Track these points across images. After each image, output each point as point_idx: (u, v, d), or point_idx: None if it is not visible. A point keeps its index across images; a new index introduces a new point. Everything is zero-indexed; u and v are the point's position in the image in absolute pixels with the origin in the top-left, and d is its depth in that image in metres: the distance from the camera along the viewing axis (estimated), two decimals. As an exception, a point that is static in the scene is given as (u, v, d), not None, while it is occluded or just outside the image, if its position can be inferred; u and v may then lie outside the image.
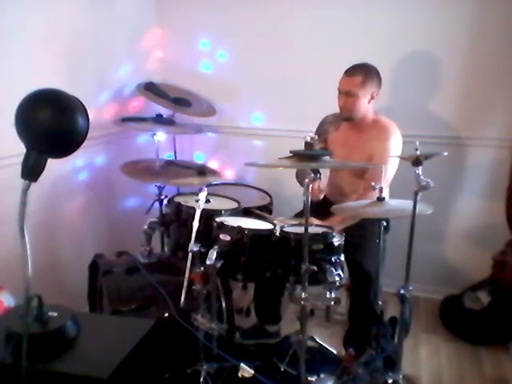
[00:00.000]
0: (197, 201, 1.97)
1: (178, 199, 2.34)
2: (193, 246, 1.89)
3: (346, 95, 2.29)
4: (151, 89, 2.84)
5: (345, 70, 2.30)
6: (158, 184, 2.61)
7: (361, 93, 2.27)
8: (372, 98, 2.31)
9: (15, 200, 1.06)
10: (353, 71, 2.28)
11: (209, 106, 3.07)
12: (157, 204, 2.63)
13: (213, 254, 1.82)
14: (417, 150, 1.80)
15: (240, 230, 1.95)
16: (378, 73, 2.32)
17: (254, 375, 1.91)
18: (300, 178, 2.37)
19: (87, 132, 1.09)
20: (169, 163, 2.71)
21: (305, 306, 1.81)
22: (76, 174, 2.62)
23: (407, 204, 1.85)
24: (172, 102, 2.80)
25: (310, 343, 2.09)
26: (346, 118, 2.39)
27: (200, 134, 3.20)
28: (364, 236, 2.29)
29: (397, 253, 2.07)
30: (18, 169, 1.06)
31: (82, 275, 2.35)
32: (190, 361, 2.03)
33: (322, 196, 2.46)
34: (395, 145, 2.32)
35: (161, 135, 2.70)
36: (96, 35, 2.63)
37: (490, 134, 2.75)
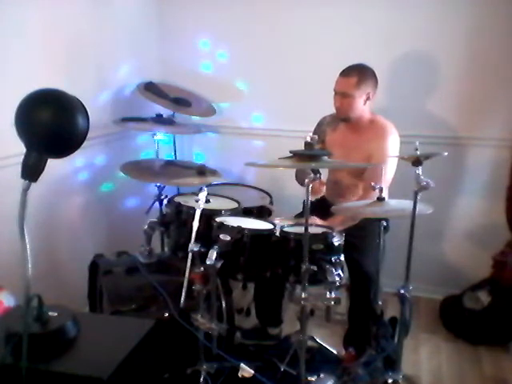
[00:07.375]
0: (197, 201, 1.98)
1: (177, 199, 2.33)
2: (193, 246, 1.89)
3: (342, 96, 2.29)
4: (151, 89, 2.84)
5: (341, 70, 2.29)
6: (158, 184, 2.61)
7: (356, 93, 2.27)
8: (368, 98, 2.31)
9: (15, 200, 1.06)
10: (348, 72, 2.28)
11: (209, 106, 3.07)
12: (157, 204, 2.63)
13: (213, 254, 1.82)
14: (417, 149, 1.80)
15: (240, 229, 1.95)
16: (373, 73, 2.31)
17: (254, 375, 1.91)
18: (300, 177, 2.37)
19: (87, 132, 1.09)
20: (169, 163, 2.71)
21: (305, 306, 1.81)
22: (76, 174, 2.62)
23: (407, 204, 1.84)
24: (172, 102, 2.80)
25: (310, 343, 2.08)
26: (343, 118, 2.39)
27: (200, 134, 3.20)
28: (364, 236, 2.29)
29: (397, 253, 2.07)
30: (18, 169, 1.06)
31: (82, 275, 2.35)
32: (190, 361, 2.03)
33: (322, 193, 2.45)
34: (393, 145, 2.32)
35: (161, 135, 2.70)
36: (96, 35, 2.62)
37: (489, 134, 2.75)
